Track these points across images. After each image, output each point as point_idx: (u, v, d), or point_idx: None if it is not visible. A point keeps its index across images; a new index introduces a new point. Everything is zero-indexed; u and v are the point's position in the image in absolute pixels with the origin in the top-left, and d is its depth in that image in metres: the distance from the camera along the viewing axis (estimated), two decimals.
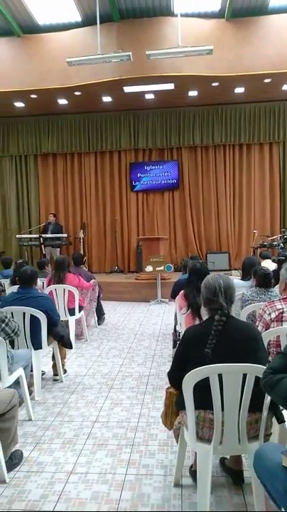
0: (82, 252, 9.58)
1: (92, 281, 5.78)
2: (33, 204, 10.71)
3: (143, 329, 6.03)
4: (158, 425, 2.98)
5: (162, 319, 6.65)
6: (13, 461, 2.53)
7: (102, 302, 6.46)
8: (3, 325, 2.92)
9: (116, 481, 2.38)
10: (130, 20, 7.91)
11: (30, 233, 9.87)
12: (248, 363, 1.94)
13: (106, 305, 6.97)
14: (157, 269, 7.86)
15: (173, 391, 2.25)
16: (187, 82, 8.18)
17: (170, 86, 8.28)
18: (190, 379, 1.95)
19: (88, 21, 7.85)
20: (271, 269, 3.75)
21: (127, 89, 8.41)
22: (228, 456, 2.43)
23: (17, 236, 9.81)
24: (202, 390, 1.92)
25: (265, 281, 3.46)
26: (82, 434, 2.93)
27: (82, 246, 9.97)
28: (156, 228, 10.29)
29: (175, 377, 2.14)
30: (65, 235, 9.55)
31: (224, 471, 2.43)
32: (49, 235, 9.35)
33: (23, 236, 9.61)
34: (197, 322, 2.92)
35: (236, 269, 8.84)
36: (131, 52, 6.49)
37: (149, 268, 7.90)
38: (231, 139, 9.89)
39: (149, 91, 8.64)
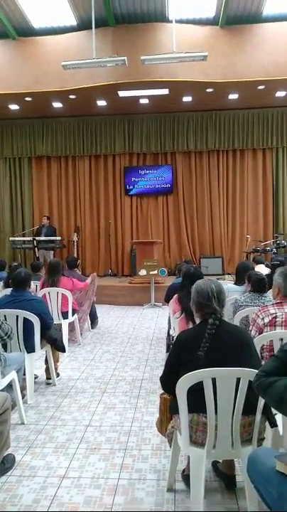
0: (75, 255, 9.56)
1: (92, 275, 5.84)
2: (26, 206, 10.68)
3: (137, 333, 6.03)
4: (151, 429, 2.97)
5: (155, 323, 6.65)
6: (5, 465, 2.51)
7: (96, 306, 6.45)
8: None
9: (109, 486, 2.37)
10: (125, 25, 7.96)
11: (23, 236, 9.84)
12: (241, 366, 1.95)
13: (99, 309, 6.96)
14: (151, 272, 7.87)
15: (167, 396, 2.25)
16: (181, 88, 8.23)
17: (165, 91, 8.34)
18: (184, 383, 1.95)
19: (83, 25, 7.88)
20: (265, 274, 3.76)
21: (122, 93, 8.44)
22: (220, 460, 2.43)
23: (10, 239, 9.77)
24: (196, 393, 1.93)
25: (260, 286, 3.47)
26: (75, 439, 2.92)
27: (75, 249, 9.95)
28: (150, 232, 10.30)
29: (168, 381, 2.14)
30: (59, 238, 9.54)
31: (216, 475, 2.43)
32: (43, 238, 9.33)
33: (17, 239, 9.57)
34: (191, 326, 2.92)
35: (229, 274, 8.88)
36: (126, 57, 6.52)
37: (143, 272, 7.91)
38: (224, 144, 9.95)
39: (144, 96, 8.68)
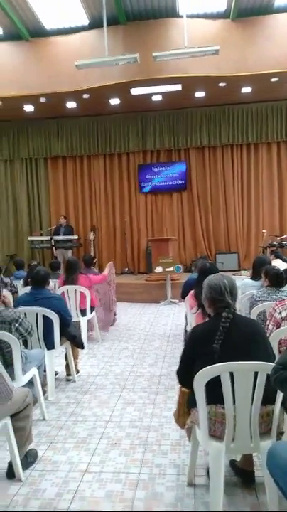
0: (92, 253, 9.65)
1: (108, 264, 5.91)
2: (43, 206, 10.82)
3: (154, 330, 6.06)
4: (170, 425, 2.99)
5: (172, 320, 6.67)
6: (28, 459, 2.57)
7: None
8: (17, 325, 2.95)
9: (129, 480, 2.40)
10: (136, 23, 7.95)
11: (41, 235, 9.97)
12: (256, 358, 1.97)
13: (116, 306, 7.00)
14: (166, 269, 7.88)
15: (186, 390, 2.27)
16: (194, 83, 8.18)
17: (178, 87, 8.28)
18: (202, 377, 1.96)
19: (95, 24, 7.91)
20: (282, 269, 3.73)
21: (134, 91, 8.44)
22: (238, 458, 2.43)
23: (29, 238, 9.93)
24: (213, 384, 1.94)
25: (277, 280, 3.44)
26: (96, 434, 2.97)
27: (92, 248, 10.04)
28: (165, 229, 10.30)
29: (185, 375, 2.17)
30: (76, 237, 9.64)
31: (233, 471, 2.42)
32: (61, 237, 9.44)
33: (35, 238, 9.71)
34: None
35: (245, 270, 8.81)
36: (138, 54, 6.52)
37: (159, 269, 7.92)
38: (238, 138, 9.85)
39: (156, 93, 8.66)
